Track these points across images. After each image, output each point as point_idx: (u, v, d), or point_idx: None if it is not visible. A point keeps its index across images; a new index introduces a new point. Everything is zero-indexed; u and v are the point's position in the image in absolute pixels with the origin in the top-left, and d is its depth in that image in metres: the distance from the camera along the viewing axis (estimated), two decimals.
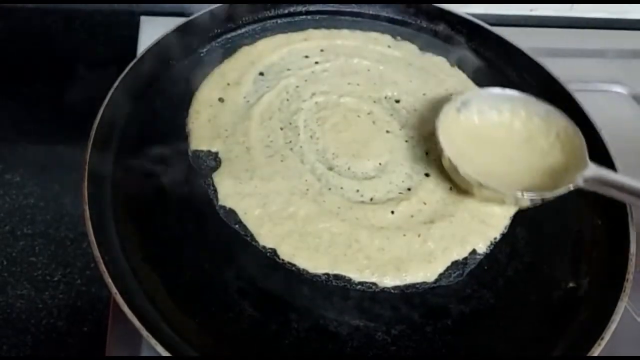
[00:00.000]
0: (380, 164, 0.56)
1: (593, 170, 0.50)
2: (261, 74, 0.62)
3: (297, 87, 0.61)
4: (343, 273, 0.47)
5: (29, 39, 0.81)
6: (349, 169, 0.55)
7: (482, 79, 0.65)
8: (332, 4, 0.71)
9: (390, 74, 0.64)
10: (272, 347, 0.44)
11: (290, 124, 0.57)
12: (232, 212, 0.50)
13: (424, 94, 0.62)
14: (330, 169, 0.54)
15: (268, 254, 0.48)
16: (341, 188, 0.53)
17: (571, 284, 0.50)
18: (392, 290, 0.47)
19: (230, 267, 0.47)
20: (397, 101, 0.62)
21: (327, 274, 0.47)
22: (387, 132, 0.58)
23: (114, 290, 0.42)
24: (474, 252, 0.51)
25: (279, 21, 0.69)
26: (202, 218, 0.50)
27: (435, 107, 0.61)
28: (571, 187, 0.50)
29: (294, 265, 0.48)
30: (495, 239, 0.52)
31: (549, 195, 0.50)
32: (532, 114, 0.56)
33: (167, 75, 0.60)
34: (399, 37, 0.69)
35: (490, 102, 0.57)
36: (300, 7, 0.70)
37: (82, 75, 0.76)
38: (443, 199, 0.53)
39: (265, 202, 0.50)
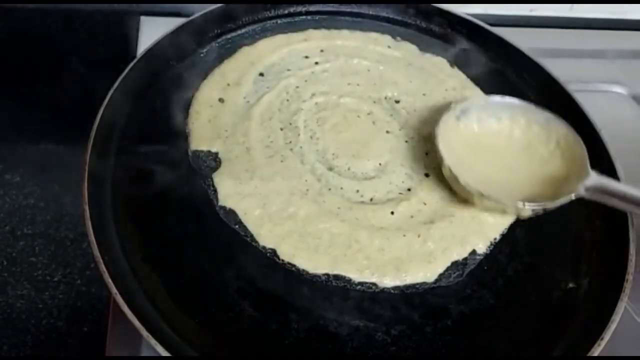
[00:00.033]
0: (380, 164, 0.56)
1: (594, 179, 0.50)
2: (261, 74, 0.62)
3: (297, 87, 0.61)
4: (343, 273, 0.47)
5: (29, 39, 0.81)
6: (349, 169, 0.55)
7: (482, 80, 0.66)
8: (332, 5, 0.71)
9: (390, 75, 0.64)
10: (272, 347, 0.44)
11: (290, 124, 0.57)
12: (232, 213, 0.50)
13: (424, 94, 0.63)
14: (330, 169, 0.54)
15: (268, 254, 0.48)
16: (341, 188, 0.53)
17: (571, 284, 0.50)
18: (392, 291, 0.47)
19: (230, 267, 0.47)
20: (397, 101, 0.62)
21: (327, 274, 0.47)
22: (387, 132, 0.58)
23: (114, 290, 0.42)
24: (473, 252, 0.51)
25: (279, 21, 0.69)
26: (202, 218, 0.50)
27: (435, 107, 0.61)
28: (573, 196, 0.49)
29: (293, 265, 0.48)
30: (495, 239, 0.52)
31: (551, 205, 0.50)
32: (531, 122, 0.56)
33: (167, 75, 0.60)
34: (398, 38, 0.69)
35: (489, 110, 0.56)
36: (300, 8, 0.70)
37: (82, 76, 0.76)
38: (443, 199, 0.53)
39: (265, 202, 0.51)
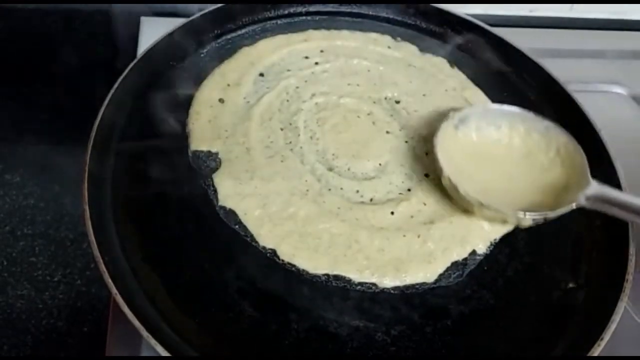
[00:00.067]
0: (380, 164, 0.56)
1: (595, 188, 0.49)
2: (261, 74, 0.62)
3: (297, 87, 0.61)
4: (343, 273, 0.47)
5: (29, 39, 0.81)
6: (349, 169, 0.55)
7: (482, 80, 0.66)
8: (332, 5, 0.71)
9: (390, 75, 0.64)
10: (272, 347, 0.44)
11: (290, 124, 0.57)
12: (232, 213, 0.50)
13: (424, 95, 0.63)
14: (330, 169, 0.54)
15: (268, 255, 0.48)
16: (341, 189, 0.53)
17: (571, 284, 0.50)
18: (392, 291, 0.47)
19: (230, 268, 0.47)
20: (397, 102, 0.62)
21: (327, 275, 0.47)
22: (387, 132, 0.58)
23: (114, 290, 0.42)
24: (473, 252, 0.51)
25: (278, 22, 0.69)
26: (202, 218, 0.50)
27: (436, 107, 0.61)
28: (574, 205, 0.49)
29: (293, 265, 0.48)
30: (495, 239, 0.52)
31: (551, 215, 0.49)
32: (531, 130, 0.55)
33: (167, 75, 0.60)
34: (398, 38, 0.69)
35: (488, 118, 0.56)
36: (300, 8, 0.70)
37: (82, 76, 0.76)
38: (443, 199, 0.53)
39: (265, 202, 0.51)
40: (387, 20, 0.72)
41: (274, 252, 0.48)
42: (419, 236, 0.50)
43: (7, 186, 0.72)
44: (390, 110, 0.61)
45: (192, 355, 0.42)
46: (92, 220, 0.45)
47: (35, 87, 0.79)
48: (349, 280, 0.47)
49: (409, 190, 0.54)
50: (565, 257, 0.52)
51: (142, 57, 0.59)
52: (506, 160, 0.55)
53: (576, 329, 0.47)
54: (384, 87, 0.62)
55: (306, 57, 0.64)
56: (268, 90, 0.60)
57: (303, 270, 0.47)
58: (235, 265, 0.47)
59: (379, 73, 0.64)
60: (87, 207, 0.46)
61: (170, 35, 0.61)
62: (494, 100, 0.63)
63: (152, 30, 0.70)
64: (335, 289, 0.47)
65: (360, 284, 0.47)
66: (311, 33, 0.67)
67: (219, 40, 0.65)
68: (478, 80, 0.65)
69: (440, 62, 0.67)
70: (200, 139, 0.55)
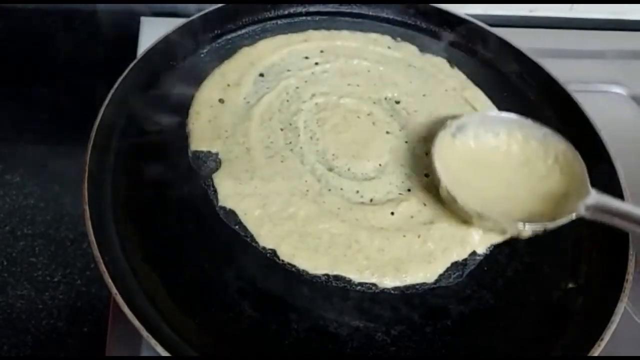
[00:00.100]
0: (380, 164, 0.56)
1: (595, 197, 0.49)
2: (261, 74, 0.62)
3: (297, 88, 0.61)
4: (343, 274, 0.47)
5: (29, 39, 0.81)
6: (348, 169, 0.55)
7: (482, 80, 0.66)
8: (332, 5, 0.71)
9: (390, 75, 0.64)
10: (272, 347, 0.44)
11: (290, 124, 0.57)
12: (232, 213, 0.50)
13: (424, 95, 0.63)
14: (330, 169, 0.54)
15: (268, 255, 0.48)
16: (341, 189, 0.53)
17: (571, 284, 0.50)
18: (392, 291, 0.48)
19: (230, 268, 0.47)
20: (397, 102, 0.62)
21: (327, 275, 0.47)
22: (387, 133, 0.58)
23: (114, 290, 0.42)
24: (473, 252, 0.51)
25: (279, 22, 0.69)
26: (202, 219, 0.50)
27: (436, 108, 0.61)
28: (573, 216, 0.49)
29: (293, 265, 0.48)
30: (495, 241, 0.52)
31: (551, 225, 0.49)
32: (529, 137, 0.55)
33: (167, 75, 0.60)
34: (399, 38, 0.69)
35: (486, 125, 0.55)
36: (300, 8, 0.70)
37: (82, 76, 0.76)
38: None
39: (265, 202, 0.51)
40: (387, 21, 0.72)
41: (274, 252, 0.48)
42: (419, 236, 0.50)
43: (7, 186, 0.72)
44: (390, 111, 0.61)
45: (192, 355, 0.42)
46: (92, 220, 0.45)
47: (35, 87, 0.79)
48: (349, 281, 0.47)
49: (408, 190, 0.54)
50: (565, 258, 0.52)
51: (142, 57, 0.59)
52: (504, 168, 0.54)
53: (576, 329, 0.47)
54: (384, 87, 0.62)
55: (306, 58, 0.64)
56: (268, 90, 0.60)
57: (303, 270, 0.47)
58: (235, 266, 0.47)
59: (379, 73, 0.64)
60: (87, 207, 0.46)
61: (170, 35, 0.61)
62: (494, 100, 0.63)
63: (152, 30, 0.70)
64: (335, 289, 0.47)
65: (360, 284, 0.47)
66: (311, 33, 0.67)
67: (219, 41, 0.65)
68: (478, 80, 0.65)
69: (440, 62, 0.67)
70: (200, 139, 0.55)
